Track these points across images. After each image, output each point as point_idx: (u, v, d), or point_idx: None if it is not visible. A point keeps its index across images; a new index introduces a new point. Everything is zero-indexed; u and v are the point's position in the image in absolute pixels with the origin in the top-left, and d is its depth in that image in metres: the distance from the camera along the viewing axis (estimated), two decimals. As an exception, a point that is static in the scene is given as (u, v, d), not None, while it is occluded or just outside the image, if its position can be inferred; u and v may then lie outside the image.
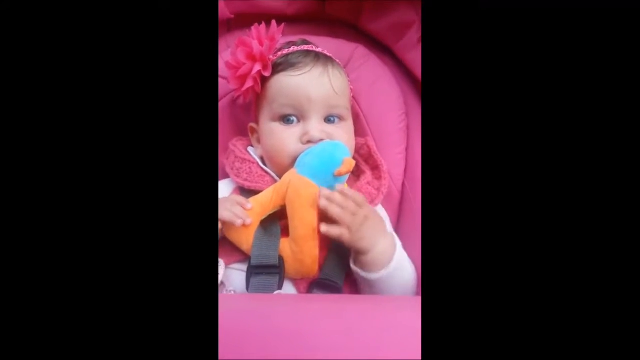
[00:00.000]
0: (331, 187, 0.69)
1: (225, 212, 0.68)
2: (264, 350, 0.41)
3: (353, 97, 0.86)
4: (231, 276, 0.70)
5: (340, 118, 0.77)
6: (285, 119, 0.75)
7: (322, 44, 0.87)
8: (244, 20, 0.93)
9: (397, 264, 0.69)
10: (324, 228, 0.66)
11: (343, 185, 0.70)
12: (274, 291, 0.67)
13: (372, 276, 0.68)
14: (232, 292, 0.69)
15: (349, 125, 0.79)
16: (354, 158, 0.80)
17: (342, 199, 0.67)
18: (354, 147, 0.80)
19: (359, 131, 0.85)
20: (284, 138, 0.74)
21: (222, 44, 0.95)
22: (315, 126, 0.74)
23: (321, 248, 0.69)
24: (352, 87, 0.85)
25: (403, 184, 0.84)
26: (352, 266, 0.70)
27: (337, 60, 0.82)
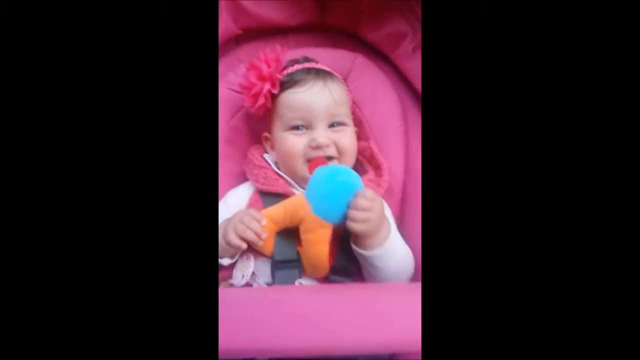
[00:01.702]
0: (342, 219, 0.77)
1: (248, 232, 0.77)
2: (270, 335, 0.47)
3: (355, 104, 0.96)
4: (260, 268, 0.81)
5: (342, 124, 0.89)
6: (295, 128, 0.87)
7: (324, 54, 0.95)
8: (251, 35, 1.02)
9: (392, 242, 0.80)
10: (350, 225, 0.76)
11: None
12: (296, 281, 0.78)
13: (369, 253, 0.78)
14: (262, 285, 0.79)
15: (350, 129, 0.90)
16: (357, 160, 0.91)
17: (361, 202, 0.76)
18: (356, 149, 0.91)
19: (362, 135, 0.94)
20: (295, 144, 0.87)
21: (233, 57, 1.03)
22: (321, 133, 0.86)
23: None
24: (352, 95, 0.95)
25: (404, 183, 0.93)
26: (353, 246, 0.80)
27: (336, 73, 0.92)
